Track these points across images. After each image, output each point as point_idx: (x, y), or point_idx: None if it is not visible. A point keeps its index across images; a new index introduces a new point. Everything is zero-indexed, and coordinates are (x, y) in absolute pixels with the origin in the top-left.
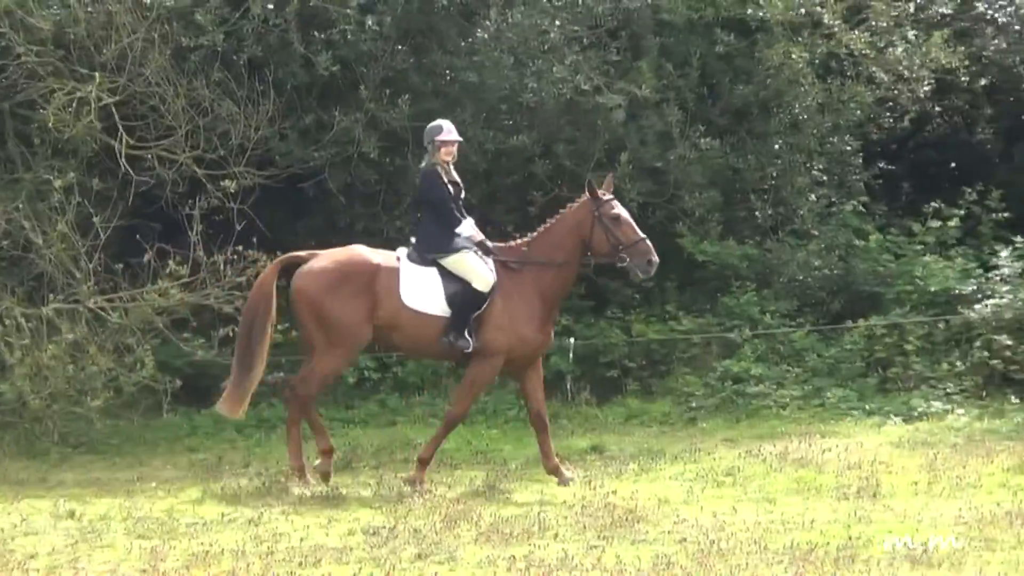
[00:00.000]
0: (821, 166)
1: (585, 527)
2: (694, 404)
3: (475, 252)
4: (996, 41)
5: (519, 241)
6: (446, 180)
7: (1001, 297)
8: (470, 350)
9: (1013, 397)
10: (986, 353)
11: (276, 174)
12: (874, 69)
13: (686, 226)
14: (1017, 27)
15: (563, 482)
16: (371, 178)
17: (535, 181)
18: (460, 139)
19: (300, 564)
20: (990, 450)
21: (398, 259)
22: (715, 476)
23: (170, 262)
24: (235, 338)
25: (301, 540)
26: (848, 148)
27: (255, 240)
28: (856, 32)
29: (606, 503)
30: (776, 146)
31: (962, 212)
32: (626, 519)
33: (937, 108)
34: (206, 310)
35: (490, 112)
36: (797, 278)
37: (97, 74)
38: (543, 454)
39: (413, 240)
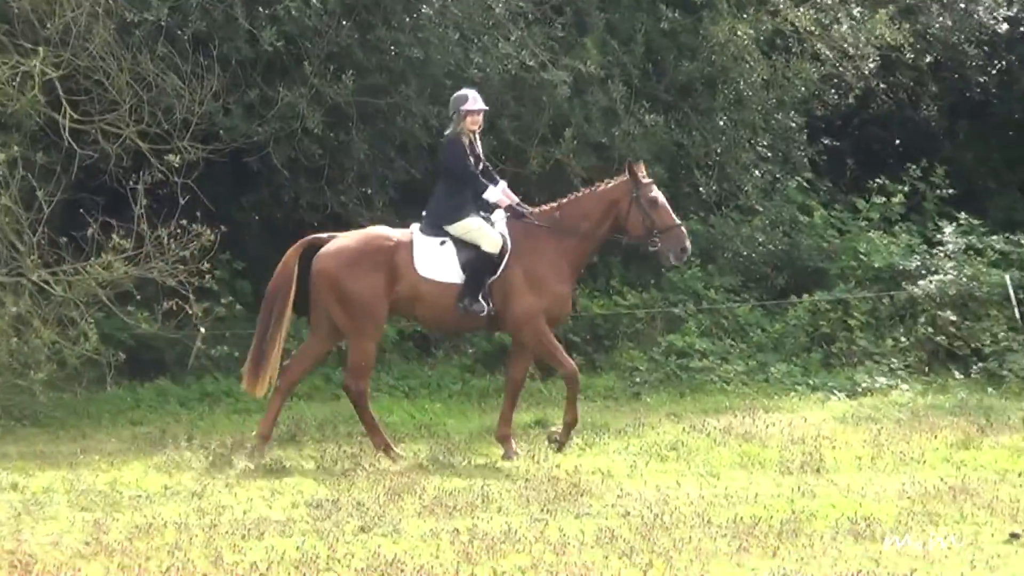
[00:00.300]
0: (766, 142)
1: (529, 500)
2: (638, 379)
3: (481, 216)
4: (941, 19)
5: (551, 205)
6: (469, 152)
7: (945, 273)
8: (485, 313)
9: (957, 373)
10: (930, 329)
11: (220, 148)
12: (819, 46)
13: None
14: (962, 5)
15: (508, 456)
16: (315, 153)
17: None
18: (486, 108)
19: (243, 536)
20: (934, 425)
21: (411, 233)
22: (659, 450)
23: (114, 236)
24: (178, 311)
25: (244, 513)
26: (793, 124)
27: (199, 214)
28: (801, 9)
29: (550, 477)
30: (721, 122)
31: (906, 188)
32: (570, 493)
33: (882, 85)
34: (150, 283)
35: (435, 88)
36: (741, 253)
37: (41, 48)
38: (502, 420)
39: (424, 213)
